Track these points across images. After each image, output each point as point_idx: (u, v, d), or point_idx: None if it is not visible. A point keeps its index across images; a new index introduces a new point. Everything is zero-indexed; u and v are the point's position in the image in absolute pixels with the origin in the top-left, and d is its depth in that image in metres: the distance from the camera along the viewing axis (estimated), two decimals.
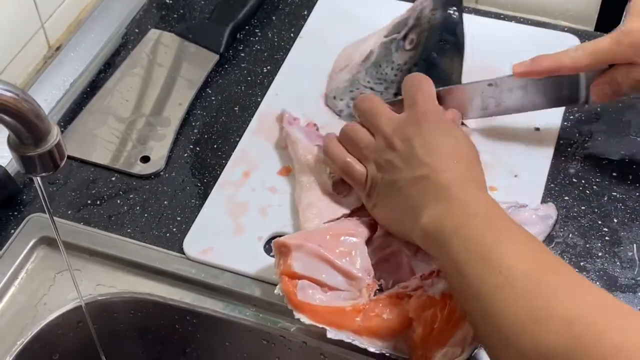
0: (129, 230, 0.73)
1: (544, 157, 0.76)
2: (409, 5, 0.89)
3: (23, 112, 0.47)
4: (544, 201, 0.73)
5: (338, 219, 0.69)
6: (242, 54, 0.87)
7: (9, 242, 0.72)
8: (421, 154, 0.63)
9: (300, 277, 0.64)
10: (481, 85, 0.74)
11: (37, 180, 0.54)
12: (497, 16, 0.89)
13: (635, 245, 0.70)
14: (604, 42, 0.70)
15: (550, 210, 0.70)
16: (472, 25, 0.87)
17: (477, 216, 0.59)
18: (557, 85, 0.73)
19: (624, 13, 0.70)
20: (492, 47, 0.85)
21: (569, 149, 0.77)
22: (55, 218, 0.72)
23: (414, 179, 0.63)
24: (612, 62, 0.70)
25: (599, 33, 0.87)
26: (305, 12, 0.90)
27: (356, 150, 0.68)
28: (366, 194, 0.67)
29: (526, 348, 0.51)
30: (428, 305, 0.62)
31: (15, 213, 0.74)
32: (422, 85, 0.68)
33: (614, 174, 0.75)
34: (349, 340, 0.62)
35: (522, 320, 0.52)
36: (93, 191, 0.76)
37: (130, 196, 0.75)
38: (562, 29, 0.87)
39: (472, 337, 0.60)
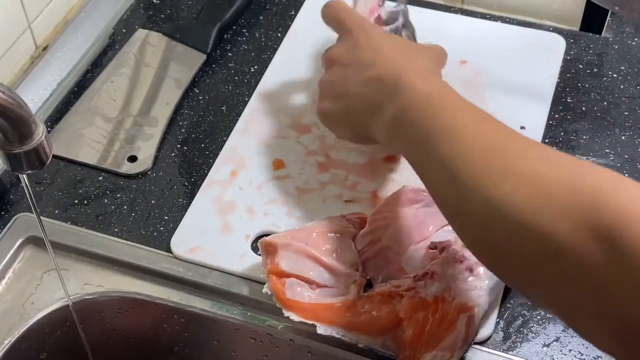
0: (116, 230, 0.73)
1: None
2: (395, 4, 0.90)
3: (9, 109, 0.47)
4: None
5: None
6: (230, 54, 0.88)
7: None
8: (367, 57, 0.67)
9: (288, 276, 0.64)
10: None
11: (24, 178, 0.54)
12: (484, 16, 0.89)
13: None
14: None
15: None
16: (459, 26, 0.88)
17: (434, 97, 0.60)
18: None
19: None
20: (478, 47, 0.85)
21: (554, 148, 0.77)
22: (42, 218, 0.72)
23: (365, 80, 0.66)
24: None
25: (584, 33, 0.88)
26: (293, 12, 0.91)
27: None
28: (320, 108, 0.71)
29: (492, 206, 0.52)
30: (420, 307, 0.62)
31: (2, 212, 0.74)
32: (341, 11, 0.73)
33: None
34: (339, 336, 0.62)
35: (492, 180, 0.53)
36: (80, 191, 0.76)
37: (118, 195, 0.75)
38: (548, 28, 0.88)
39: (463, 340, 0.61)
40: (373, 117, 0.65)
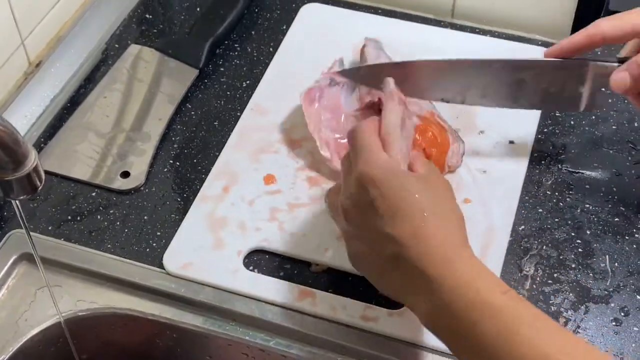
0: (109, 246, 0.73)
1: (518, 169, 0.77)
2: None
3: (1, 137, 0.47)
4: (518, 213, 0.74)
5: None
6: (222, 69, 0.88)
7: None
8: (381, 225, 0.57)
9: None
10: (471, 63, 0.70)
11: (16, 202, 0.55)
12: (473, 30, 0.90)
13: (607, 256, 0.71)
14: (630, 12, 0.67)
15: None
16: (448, 40, 0.89)
17: (493, 308, 0.54)
18: (559, 86, 0.69)
19: None
20: None
21: (543, 162, 0.78)
22: (35, 234, 0.73)
23: (387, 258, 0.58)
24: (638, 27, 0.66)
25: None
26: (284, 27, 0.91)
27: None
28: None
29: None
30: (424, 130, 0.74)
31: None
32: (358, 141, 0.61)
33: (587, 186, 0.76)
34: None
35: None
36: (73, 207, 0.76)
37: (111, 211, 0.76)
38: (537, 42, 0.88)
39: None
40: (410, 296, 0.58)
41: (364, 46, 0.84)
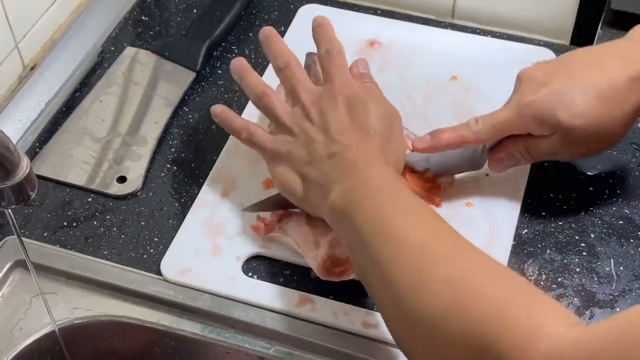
0: (105, 252, 0.72)
1: (521, 172, 0.76)
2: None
3: None
4: (521, 216, 0.73)
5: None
6: (219, 71, 0.87)
7: None
8: (335, 130, 0.65)
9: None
10: None
11: (8, 210, 0.54)
12: (474, 31, 0.89)
13: (612, 260, 0.70)
14: (505, 114, 0.68)
15: None
16: (449, 41, 0.88)
17: (380, 190, 0.61)
18: (459, 155, 0.72)
19: (516, 83, 0.69)
20: (469, 62, 0.85)
21: (546, 164, 0.77)
22: (30, 241, 0.72)
23: (328, 155, 0.65)
24: (512, 133, 0.69)
25: (574, 47, 0.87)
26: (282, 28, 0.90)
27: (273, 118, 0.70)
28: (272, 154, 0.69)
29: (410, 310, 0.54)
30: None
31: None
32: (337, 59, 0.70)
33: (591, 189, 0.75)
34: None
35: (410, 285, 0.55)
36: (69, 213, 0.75)
37: (107, 217, 0.75)
38: (538, 42, 0.87)
39: None
40: (325, 194, 0.64)
41: (308, 64, 0.77)
